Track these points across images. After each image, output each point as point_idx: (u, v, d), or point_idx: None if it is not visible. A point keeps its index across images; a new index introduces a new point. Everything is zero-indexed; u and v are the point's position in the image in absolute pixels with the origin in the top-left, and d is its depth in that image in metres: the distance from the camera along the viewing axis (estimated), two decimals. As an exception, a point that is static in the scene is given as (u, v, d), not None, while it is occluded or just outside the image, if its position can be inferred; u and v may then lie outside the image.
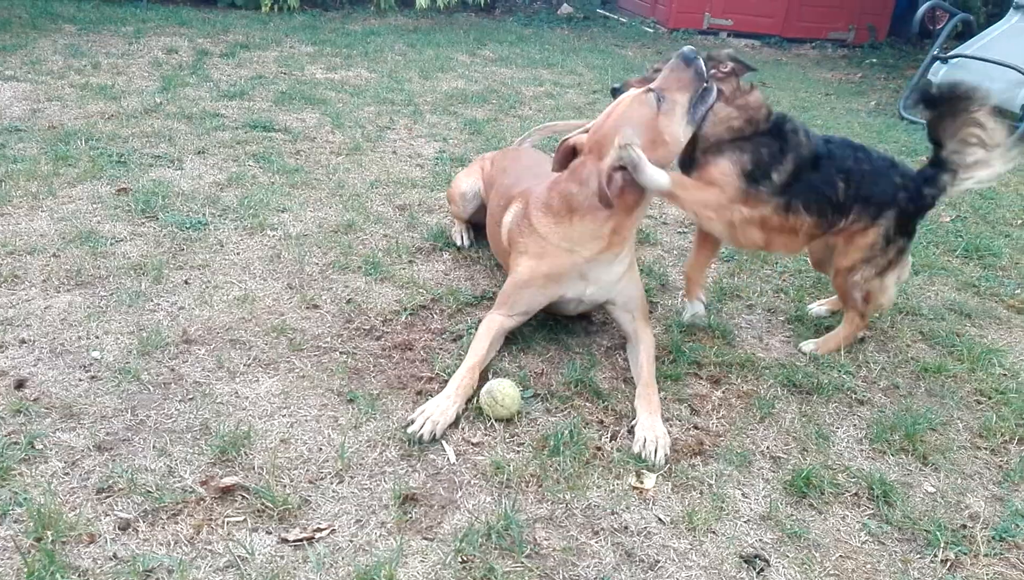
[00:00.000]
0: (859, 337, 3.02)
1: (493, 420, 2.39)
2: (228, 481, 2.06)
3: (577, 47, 8.64)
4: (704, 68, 2.57)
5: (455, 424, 2.36)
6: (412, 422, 2.32)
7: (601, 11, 11.04)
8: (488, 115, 5.63)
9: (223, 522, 1.96)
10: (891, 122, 6.66)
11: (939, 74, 6.74)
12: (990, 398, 2.76)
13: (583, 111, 6.02)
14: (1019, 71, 6.10)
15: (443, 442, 2.29)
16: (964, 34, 7.10)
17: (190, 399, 2.38)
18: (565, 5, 10.98)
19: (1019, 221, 4.49)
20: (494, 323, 2.68)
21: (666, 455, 2.32)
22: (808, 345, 2.98)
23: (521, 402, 2.45)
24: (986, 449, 2.50)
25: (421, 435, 2.28)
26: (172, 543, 1.88)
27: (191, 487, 2.05)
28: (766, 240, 2.81)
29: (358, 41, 7.59)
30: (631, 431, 2.41)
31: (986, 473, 2.40)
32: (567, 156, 2.71)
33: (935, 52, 6.81)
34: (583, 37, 9.35)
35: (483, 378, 2.52)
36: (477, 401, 2.44)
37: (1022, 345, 3.16)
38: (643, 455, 2.31)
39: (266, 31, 7.68)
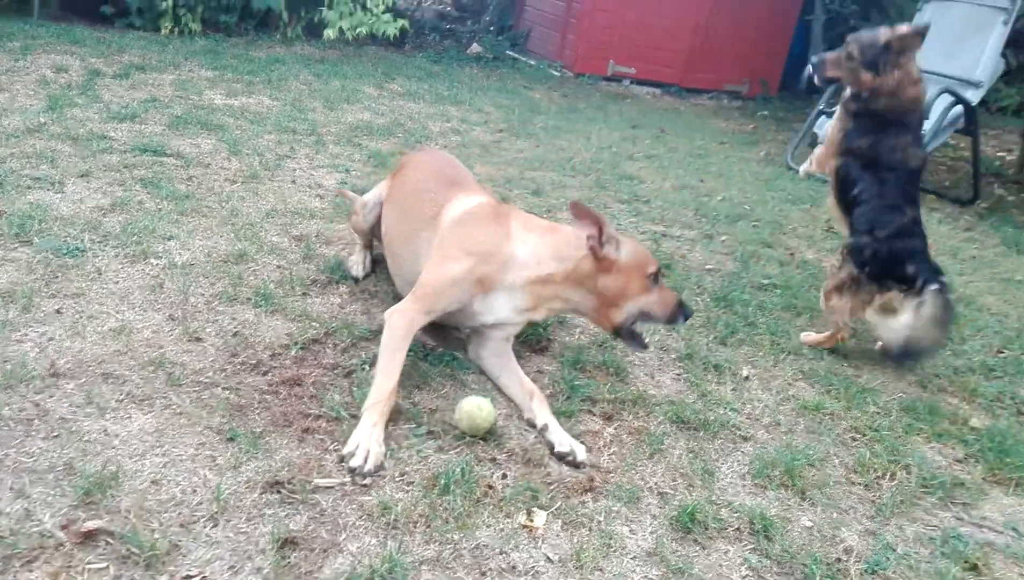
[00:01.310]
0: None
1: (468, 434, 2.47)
2: (91, 525, 1.93)
3: (485, 86, 8.75)
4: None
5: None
6: (352, 455, 2.29)
7: (510, 52, 11.22)
8: (393, 148, 5.61)
9: (83, 569, 1.83)
10: (779, 171, 7.01)
11: (824, 127, 7.14)
12: (864, 435, 2.89)
13: (489, 148, 6.09)
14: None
15: None
16: (847, 90, 7.55)
17: (55, 436, 2.23)
18: (475, 45, 11.13)
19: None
20: (406, 324, 2.63)
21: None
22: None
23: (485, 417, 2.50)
24: (860, 484, 2.61)
25: (369, 470, 2.26)
26: (24, 594, 1.74)
27: (50, 531, 1.91)
28: None
29: (261, 68, 7.45)
30: (544, 439, 2.54)
31: (860, 508, 2.50)
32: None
33: (821, 107, 7.23)
34: (492, 77, 9.48)
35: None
36: (457, 423, 2.49)
37: (894, 384, 3.33)
38: (570, 458, 2.45)
39: (164, 53, 7.44)
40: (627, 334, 2.78)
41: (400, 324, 2.62)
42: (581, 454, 2.46)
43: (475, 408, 2.47)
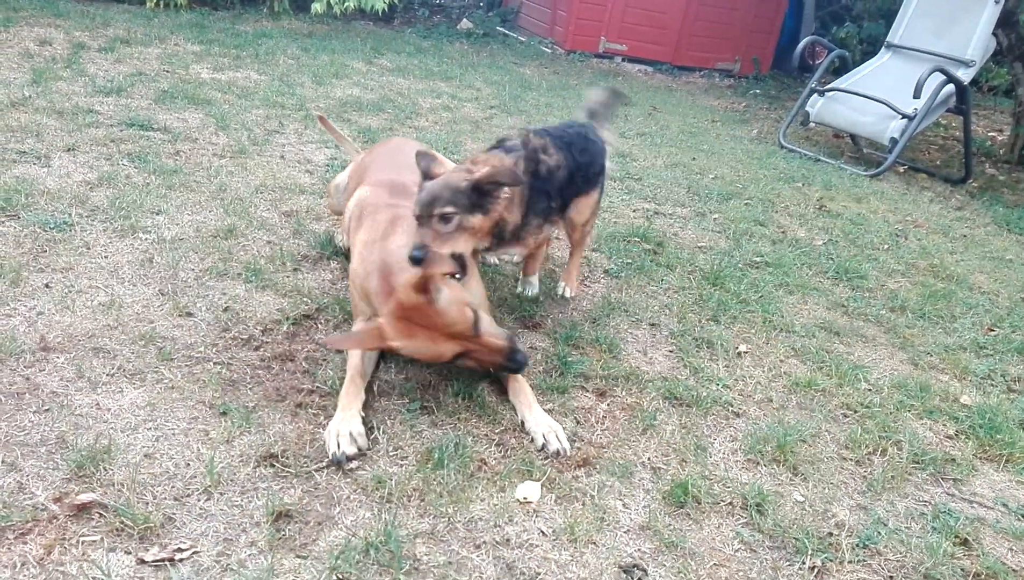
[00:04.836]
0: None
1: None
2: (84, 498, 1.93)
3: (476, 62, 8.67)
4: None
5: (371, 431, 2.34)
6: (328, 447, 2.23)
7: (501, 29, 11.12)
8: (383, 124, 5.56)
9: (77, 541, 1.82)
10: (771, 149, 7.00)
11: (816, 106, 7.14)
12: (856, 411, 2.91)
13: (480, 125, 6.04)
14: (888, 105, 6.53)
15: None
16: (840, 69, 7.54)
17: (46, 410, 2.21)
18: (465, 20, 11.01)
19: (885, 246, 4.79)
20: (355, 327, 2.68)
21: (567, 439, 2.44)
22: (566, 291, 3.39)
23: None
24: (851, 460, 2.63)
25: (344, 453, 2.20)
26: (19, 564, 1.74)
27: (43, 504, 1.90)
28: None
29: (248, 42, 7.35)
30: (524, 429, 2.47)
31: (851, 483, 2.52)
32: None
33: (813, 85, 7.21)
34: (482, 53, 9.40)
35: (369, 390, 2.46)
36: None
37: (886, 362, 3.35)
38: (548, 448, 2.39)
39: (150, 27, 7.33)
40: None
41: (355, 326, 2.70)
42: (553, 445, 2.40)
43: None
